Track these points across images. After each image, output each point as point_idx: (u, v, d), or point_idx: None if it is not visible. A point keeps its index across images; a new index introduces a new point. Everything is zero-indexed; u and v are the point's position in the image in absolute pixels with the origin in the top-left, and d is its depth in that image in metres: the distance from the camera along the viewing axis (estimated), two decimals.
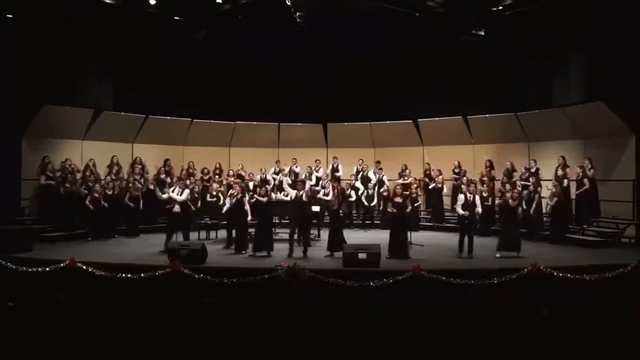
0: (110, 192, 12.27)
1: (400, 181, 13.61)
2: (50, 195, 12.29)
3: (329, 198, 11.84)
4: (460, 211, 10.14)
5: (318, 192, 11.84)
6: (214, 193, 12.80)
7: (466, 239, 10.04)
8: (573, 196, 12.07)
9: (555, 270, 8.29)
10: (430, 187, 14.31)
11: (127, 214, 12.62)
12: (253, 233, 10.41)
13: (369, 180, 14.39)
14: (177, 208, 10.71)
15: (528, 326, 8.14)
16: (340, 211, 10.86)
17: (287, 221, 13.38)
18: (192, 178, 13.85)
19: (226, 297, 8.33)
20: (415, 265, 8.41)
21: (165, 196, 10.84)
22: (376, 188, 14.16)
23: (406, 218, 10.13)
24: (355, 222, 14.41)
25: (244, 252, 10.28)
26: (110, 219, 12.24)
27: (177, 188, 10.95)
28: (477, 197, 10.38)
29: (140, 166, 13.93)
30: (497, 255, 9.96)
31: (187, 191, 10.93)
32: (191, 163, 14.72)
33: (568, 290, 8.19)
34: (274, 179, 14.44)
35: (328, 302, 8.23)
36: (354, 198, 13.96)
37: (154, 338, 8.36)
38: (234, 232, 10.85)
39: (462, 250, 10.03)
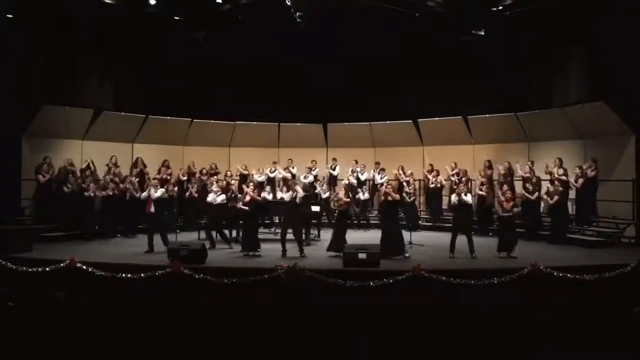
0: (110, 193, 12.33)
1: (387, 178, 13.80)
2: (48, 195, 12.27)
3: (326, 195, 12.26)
4: (454, 199, 10.20)
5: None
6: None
7: (464, 239, 10.02)
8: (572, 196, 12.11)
9: (555, 270, 8.30)
10: (431, 185, 14.32)
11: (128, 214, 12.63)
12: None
13: (364, 182, 14.46)
14: (151, 209, 10.74)
15: (528, 326, 8.14)
16: (352, 212, 10.79)
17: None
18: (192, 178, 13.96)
19: (226, 297, 8.33)
20: (415, 265, 8.42)
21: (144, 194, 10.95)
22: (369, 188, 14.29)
23: (397, 215, 10.15)
24: (354, 221, 14.41)
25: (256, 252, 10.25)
26: (110, 219, 12.28)
27: (152, 190, 10.90)
28: (470, 195, 10.39)
29: (140, 167, 13.95)
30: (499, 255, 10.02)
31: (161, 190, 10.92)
32: (192, 163, 14.73)
33: (568, 290, 8.19)
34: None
35: (328, 302, 8.24)
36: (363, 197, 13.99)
37: (154, 338, 8.36)
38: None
39: (453, 251, 10.00)
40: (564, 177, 11.93)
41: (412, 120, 15.74)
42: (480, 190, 12.61)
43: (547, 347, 8.07)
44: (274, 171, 14.64)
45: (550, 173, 12.27)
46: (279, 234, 10.63)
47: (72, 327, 8.44)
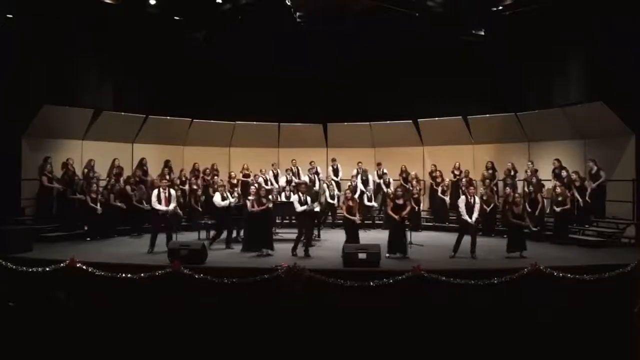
0: (112, 196, 12.40)
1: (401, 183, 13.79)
2: (51, 197, 12.28)
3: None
4: (467, 218, 10.11)
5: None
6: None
7: (468, 239, 10.02)
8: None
9: (555, 270, 8.30)
10: (439, 193, 14.24)
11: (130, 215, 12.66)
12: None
13: (368, 182, 14.45)
14: (163, 210, 10.70)
15: (528, 326, 8.15)
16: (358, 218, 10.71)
17: (287, 221, 13.50)
18: (194, 179, 13.98)
19: (226, 297, 8.34)
20: (415, 265, 8.42)
21: (157, 207, 10.78)
22: (372, 189, 14.29)
23: (404, 218, 10.14)
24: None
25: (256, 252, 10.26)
26: (110, 219, 12.28)
27: (161, 191, 10.82)
28: (477, 199, 10.37)
29: (145, 168, 13.99)
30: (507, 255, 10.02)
31: (173, 193, 10.88)
32: (197, 164, 14.67)
33: (568, 290, 8.20)
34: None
35: (328, 302, 8.24)
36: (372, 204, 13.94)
37: (154, 338, 8.37)
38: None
39: (456, 251, 10.01)
40: (575, 182, 11.91)
41: (412, 120, 15.73)
42: (483, 201, 12.49)
43: (547, 347, 8.08)
44: (276, 174, 14.67)
45: (557, 176, 12.27)
46: (280, 234, 10.67)
47: (72, 327, 8.45)
